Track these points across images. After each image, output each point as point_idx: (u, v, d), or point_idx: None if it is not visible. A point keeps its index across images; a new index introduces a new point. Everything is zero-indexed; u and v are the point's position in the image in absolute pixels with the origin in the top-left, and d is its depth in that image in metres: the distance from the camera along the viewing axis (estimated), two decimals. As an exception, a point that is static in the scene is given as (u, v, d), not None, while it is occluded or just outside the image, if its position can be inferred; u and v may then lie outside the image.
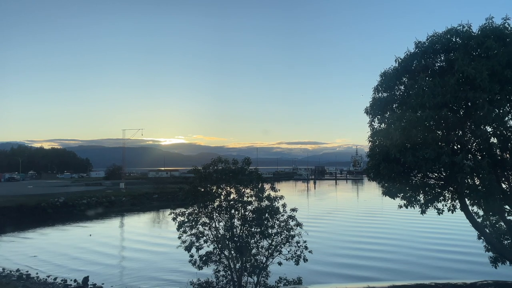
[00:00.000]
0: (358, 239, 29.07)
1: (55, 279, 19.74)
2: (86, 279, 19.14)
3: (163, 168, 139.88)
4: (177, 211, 14.12)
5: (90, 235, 32.99)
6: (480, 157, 8.14)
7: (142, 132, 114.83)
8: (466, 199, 8.83)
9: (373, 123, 9.53)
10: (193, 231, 13.63)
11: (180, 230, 13.66)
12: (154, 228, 39.27)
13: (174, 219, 13.95)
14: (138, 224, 41.90)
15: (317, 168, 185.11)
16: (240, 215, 13.60)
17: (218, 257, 13.56)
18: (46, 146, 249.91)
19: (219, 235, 13.54)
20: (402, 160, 7.97)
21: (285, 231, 13.27)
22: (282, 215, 13.44)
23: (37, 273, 20.74)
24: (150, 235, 33.43)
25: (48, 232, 36.00)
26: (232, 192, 13.91)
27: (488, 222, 10.63)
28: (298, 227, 13.40)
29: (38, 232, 35.61)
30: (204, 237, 13.65)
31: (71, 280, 19.42)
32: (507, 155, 8.35)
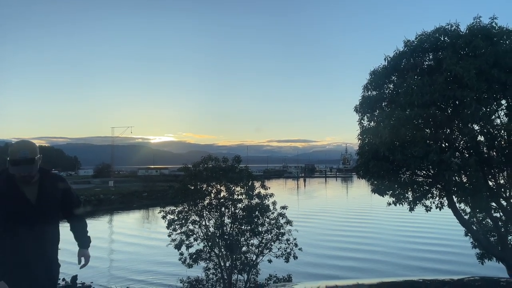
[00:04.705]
0: (347, 233, 29.34)
1: (43, 278, 19.52)
2: (74, 278, 18.92)
3: (152, 166, 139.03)
4: (167, 209, 14.06)
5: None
6: (467, 155, 8.26)
7: (132, 130, 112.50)
8: (454, 197, 8.95)
9: (362, 121, 9.62)
10: (183, 229, 13.58)
11: (170, 228, 13.61)
12: (144, 226, 39.00)
13: (164, 217, 13.89)
14: (127, 222, 41.63)
15: (307, 166, 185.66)
16: (230, 213, 13.58)
17: (208, 255, 13.53)
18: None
19: (209, 233, 13.52)
20: (391, 158, 8.05)
21: (275, 229, 13.30)
22: (272, 213, 13.46)
23: (24, 273, 20.46)
24: (140, 233, 33.22)
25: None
26: (222, 190, 13.88)
27: (475, 219, 10.77)
28: (288, 225, 13.44)
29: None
30: (194, 235, 13.61)
31: (59, 279, 19.23)
32: (494, 153, 8.47)
